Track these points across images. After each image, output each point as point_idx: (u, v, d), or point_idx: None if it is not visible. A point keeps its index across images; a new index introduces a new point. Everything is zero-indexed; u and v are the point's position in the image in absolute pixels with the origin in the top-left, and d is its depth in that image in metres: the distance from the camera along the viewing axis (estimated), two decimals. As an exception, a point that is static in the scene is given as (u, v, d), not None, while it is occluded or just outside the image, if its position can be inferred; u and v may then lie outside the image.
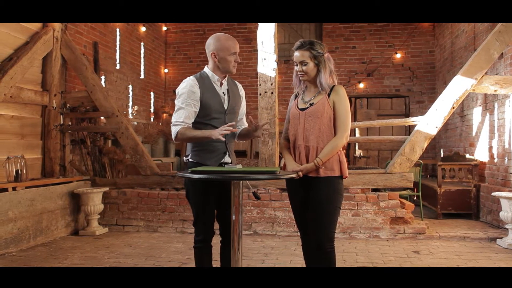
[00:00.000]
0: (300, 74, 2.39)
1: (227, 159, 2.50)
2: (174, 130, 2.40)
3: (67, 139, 5.30)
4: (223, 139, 2.26)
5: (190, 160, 2.47)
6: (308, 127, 2.35)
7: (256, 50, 4.88)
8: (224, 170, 2.16)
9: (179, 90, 2.42)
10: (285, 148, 2.48)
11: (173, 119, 2.41)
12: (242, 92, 2.64)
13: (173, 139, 2.43)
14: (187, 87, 2.39)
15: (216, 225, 2.52)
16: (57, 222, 4.65)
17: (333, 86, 2.39)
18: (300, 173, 2.29)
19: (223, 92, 2.50)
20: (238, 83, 2.66)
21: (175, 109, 2.42)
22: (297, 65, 2.39)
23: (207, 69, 2.51)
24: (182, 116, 2.37)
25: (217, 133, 2.23)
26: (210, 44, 2.46)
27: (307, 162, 2.34)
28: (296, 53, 2.38)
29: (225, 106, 2.48)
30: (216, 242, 2.53)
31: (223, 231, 2.51)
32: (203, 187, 2.39)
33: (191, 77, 2.46)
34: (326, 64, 2.36)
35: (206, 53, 2.50)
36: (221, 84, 2.50)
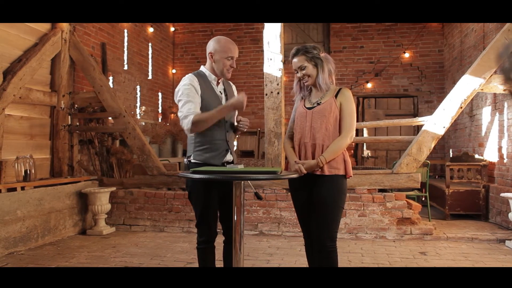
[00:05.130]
0: (304, 80, 2.42)
1: (229, 157, 2.52)
2: (187, 120, 2.34)
3: (75, 139, 5.35)
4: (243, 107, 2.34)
5: (192, 161, 2.47)
6: (315, 125, 2.37)
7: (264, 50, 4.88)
8: (225, 170, 2.16)
9: (181, 87, 2.42)
10: (288, 146, 2.50)
11: (183, 112, 2.36)
12: (236, 92, 2.67)
13: (189, 130, 2.36)
14: (189, 83, 2.41)
15: (219, 226, 2.53)
16: (65, 221, 4.70)
17: (340, 88, 2.43)
18: (303, 169, 2.29)
19: (220, 92, 2.53)
20: (232, 84, 2.70)
21: (182, 103, 2.38)
22: (297, 72, 2.44)
23: (203, 68, 2.53)
24: (192, 108, 2.35)
25: (240, 103, 2.32)
26: (210, 45, 2.50)
27: (313, 159, 2.35)
28: (294, 60, 2.43)
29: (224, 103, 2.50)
30: (219, 242, 2.54)
31: (226, 230, 2.51)
32: (205, 188, 2.40)
33: (190, 74, 2.47)
34: (324, 64, 2.40)
35: (206, 52, 2.53)
36: (218, 83, 2.53)
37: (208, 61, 2.50)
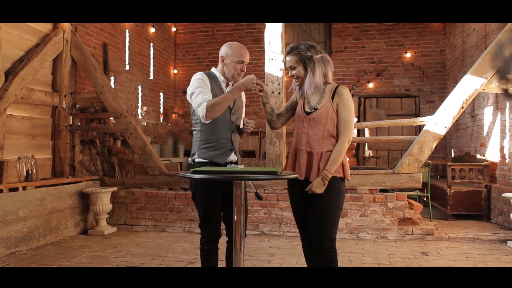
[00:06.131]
0: (294, 79, 2.42)
1: (233, 156, 2.53)
2: (201, 107, 2.37)
3: (76, 139, 5.37)
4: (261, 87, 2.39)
5: (196, 160, 2.50)
6: (312, 133, 2.33)
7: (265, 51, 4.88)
8: (225, 170, 2.16)
9: (193, 81, 2.49)
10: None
11: (197, 101, 2.40)
12: (244, 95, 2.71)
13: (204, 117, 2.37)
14: (201, 77, 2.48)
15: (222, 226, 2.54)
16: (66, 221, 4.71)
17: (337, 87, 2.36)
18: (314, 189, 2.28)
19: None
20: None
21: (195, 95, 2.43)
22: (288, 71, 2.43)
23: (214, 70, 2.60)
24: (205, 96, 2.40)
25: (251, 81, 2.36)
26: (222, 49, 2.55)
27: (308, 166, 2.33)
28: (287, 58, 2.40)
29: (231, 105, 2.54)
30: (222, 242, 2.54)
31: (229, 231, 2.52)
32: (209, 188, 2.42)
33: (200, 72, 2.55)
34: (316, 66, 2.32)
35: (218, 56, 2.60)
36: (227, 85, 2.58)
37: (220, 65, 2.56)
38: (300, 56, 2.33)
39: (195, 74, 2.53)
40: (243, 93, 2.68)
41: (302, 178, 2.32)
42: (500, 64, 4.46)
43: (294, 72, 2.38)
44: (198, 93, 2.42)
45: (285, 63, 4.82)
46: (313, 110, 2.36)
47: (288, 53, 2.38)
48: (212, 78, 2.53)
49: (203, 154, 2.48)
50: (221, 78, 2.55)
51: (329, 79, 2.39)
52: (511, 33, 4.44)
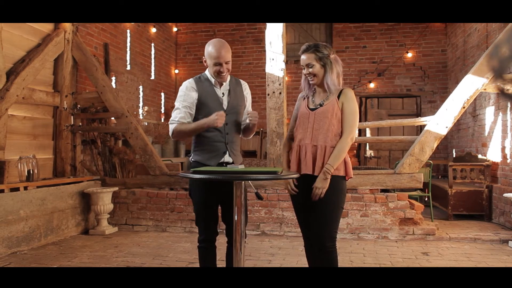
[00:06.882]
0: (309, 77, 2.41)
1: (227, 158, 2.52)
2: (170, 128, 2.52)
3: (78, 139, 5.37)
4: (220, 124, 2.35)
5: (193, 160, 2.53)
6: (317, 126, 2.36)
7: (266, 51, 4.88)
8: (225, 170, 2.16)
9: (179, 91, 2.54)
10: (285, 151, 2.55)
11: (171, 117, 2.53)
12: (246, 91, 2.65)
13: (170, 136, 2.55)
14: (184, 89, 2.51)
15: (222, 225, 2.54)
16: (67, 221, 4.72)
17: (342, 89, 2.41)
18: (292, 188, 2.36)
19: (223, 93, 2.54)
20: (243, 82, 2.67)
21: (173, 110, 2.54)
22: (304, 68, 2.42)
23: (206, 71, 2.58)
24: (177, 116, 2.48)
25: (214, 122, 2.33)
26: (205, 50, 2.52)
27: (313, 160, 2.33)
28: (303, 57, 2.40)
29: (224, 106, 2.52)
30: (223, 242, 2.54)
31: (228, 231, 2.51)
32: (205, 187, 2.43)
33: (190, 79, 2.55)
34: (333, 65, 2.37)
35: None
36: (221, 85, 2.54)
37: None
38: (319, 54, 2.36)
39: (184, 82, 2.53)
40: (246, 88, 2.65)
41: (309, 173, 2.33)
42: (496, 64, 4.45)
43: (311, 70, 2.38)
44: (175, 108, 2.50)
45: (286, 62, 4.83)
46: (318, 106, 2.39)
47: (305, 51, 2.39)
48: (203, 81, 2.52)
49: (196, 156, 2.52)
50: (212, 80, 2.53)
51: (340, 80, 2.42)
52: (511, 33, 4.42)
